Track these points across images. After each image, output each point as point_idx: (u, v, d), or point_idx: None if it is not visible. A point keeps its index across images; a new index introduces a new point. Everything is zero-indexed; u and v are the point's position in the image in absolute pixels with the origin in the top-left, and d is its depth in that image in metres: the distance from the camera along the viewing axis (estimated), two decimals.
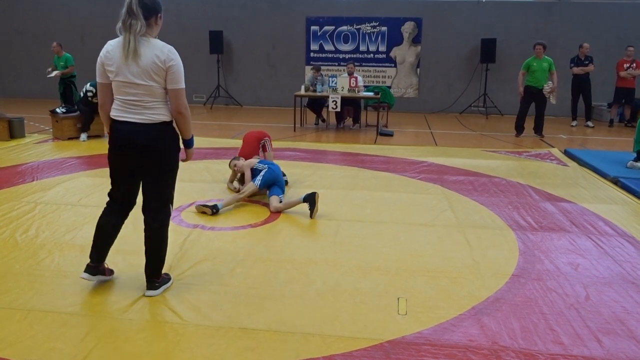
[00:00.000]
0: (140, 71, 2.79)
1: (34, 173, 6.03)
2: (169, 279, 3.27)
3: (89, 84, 8.32)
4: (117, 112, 2.92)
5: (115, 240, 3.85)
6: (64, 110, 8.41)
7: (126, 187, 3.15)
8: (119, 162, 3.06)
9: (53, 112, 8.41)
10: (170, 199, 3.12)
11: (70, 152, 7.34)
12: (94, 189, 5.40)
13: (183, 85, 2.89)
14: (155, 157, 2.94)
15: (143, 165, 2.97)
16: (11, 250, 3.72)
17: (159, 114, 2.89)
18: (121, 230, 4.05)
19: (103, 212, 3.23)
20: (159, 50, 2.79)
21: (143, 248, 3.74)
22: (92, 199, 5.02)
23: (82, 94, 8.47)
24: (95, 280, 3.20)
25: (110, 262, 3.50)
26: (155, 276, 3.14)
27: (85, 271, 3.16)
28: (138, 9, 2.75)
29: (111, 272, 3.35)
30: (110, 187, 3.20)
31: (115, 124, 2.96)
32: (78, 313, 2.85)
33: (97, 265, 3.20)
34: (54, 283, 3.21)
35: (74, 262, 3.52)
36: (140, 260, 3.58)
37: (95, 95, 8.26)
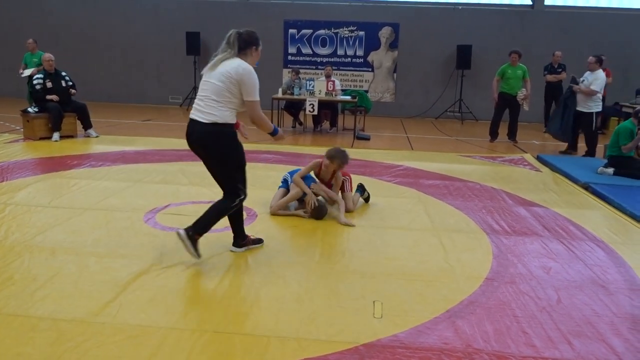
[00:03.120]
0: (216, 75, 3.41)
1: (4, 174, 5.89)
2: (247, 243, 3.85)
3: (38, 74, 8.48)
4: None
5: (89, 243, 3.84)
6: (36, 109, 8.24)
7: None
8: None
9: (24, 112, 8.23)
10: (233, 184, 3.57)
11: (42, 153, 7.19)
12: (65, 190, 5.30)
13: (256, 99, 3.44)
14: (206, 150, 3.48)
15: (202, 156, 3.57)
16: None
17: (212, 115, 3.39)
18: (95, 233, 4.04)
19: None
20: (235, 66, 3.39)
21: (117, 251, 3.74)
22: (64, 200, 4.92)
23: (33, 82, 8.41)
24: (242, 251, 3.80)
25: (82, 264, 3.45)
26: (196, 233, 3.51)
27: (233, 244, 3.81)
28: (234, 41, 3.42)
29: (258, 241, 3.93)
30: None
31: None
32: (48, 317, 2.78)
33: (237, 240, 3.80)
34: (22, 286, 3.13)
35: (43, 265, 3.44)
36: (114, 263, 3.53)
37: (42, 84, 8.29)
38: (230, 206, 3.57)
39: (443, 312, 3.00)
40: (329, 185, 4.94)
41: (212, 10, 14.05)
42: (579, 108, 8.38)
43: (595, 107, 8.32)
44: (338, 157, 4.77)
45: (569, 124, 8.50)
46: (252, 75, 3.37)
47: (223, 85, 3.35)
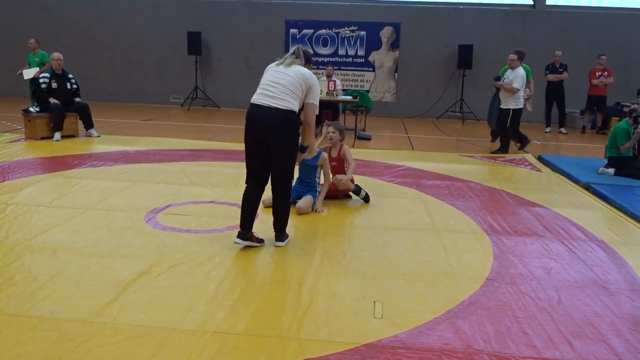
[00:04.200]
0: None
1: (5, 173, 5.90)
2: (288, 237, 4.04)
3: (44, 73, 8.46)
4: None
5: (90, 243, 3.85)
6: (37, 109, 8.25)
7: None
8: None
9: (26, 111, 8.24)
10: (291, 170, 3.91)
11: (43, 152, 7.20)
12: (66, 190, 5.30)
13: (317, 103, 3.84)
14: (279, 135, 3.70)
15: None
16: None
17: (289, 102, 3.70)
18: (96, 233, 4.05)
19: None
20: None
21: (118, 251, 3.75)
22: (65, 200, 4.93)
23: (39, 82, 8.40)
24: (245, 244, 3.82)
25: (83, 264, 3.46)
26: (278, 230, 3.95)
27: (237, 237, 3.81)
28: (301, 54, 3.87)
29: (260, 240, 3.93)
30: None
31: None
32: (49, 317, 2.79)
33: (245, 233, 3.82)
34: (23, 286, 3.13)
35: (44, 265, 3.44)
36: (115, 263, 3.55)
37: (47, 83, 8.25)
38: (289, 194, 3.94)
39: (443, 312, 3.00)
40: (340, 159, 5.31)
41: (213, 10, 14.06)
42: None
43: (513, 104, 8.42)
44: (332, 124, 5.34)
45: (495, 117, 8.82)
46: (318, 85, 3.89)
47: (297, 81, 3.71)
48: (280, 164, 3.79)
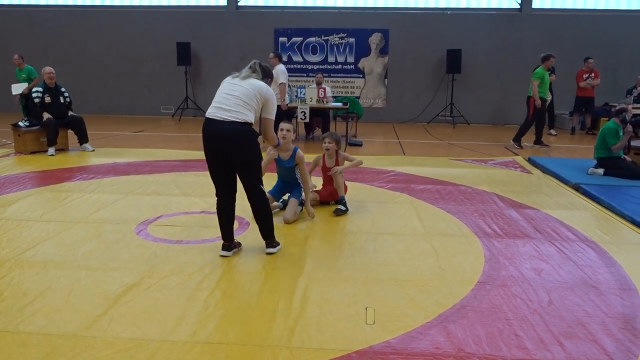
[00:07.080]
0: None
1: None
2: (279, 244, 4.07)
3: (37, 87, 8.35)
4: None
5: (80, 256, 3.84)
6: (27, 123, 8.21)
7: None
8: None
9: (15, 126, 8.20)
10: (258, 179, 3.92)
11: (33, 167, 7.17)
12: (56, 203, 5.28)
13: (272, 118, 3.86)
14: (237, 149, 3.70)
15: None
16: None
17: (244, 115, 3.68)
18: (86, 246, 4.03)
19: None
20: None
21: (109, 264, 3.73)
22: (55, 214, 4.91)
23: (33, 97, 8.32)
24: (231, 254, 3.90)
25: (74, 278, 3.45)
26: (266, 238, 3.99)
27: (222, 249, 3.89)
28: (258, 68, 3.83)
29: (239, 244, 4.05)
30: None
31: None
32: (38, 332, 2.77)
33: (229, 244, 3.91)
34: (13, 302, 3.11)
35: (34, 280, 3.42)
36: (105, 276, 3.53)
37: (40, 98, 8.16)
38: (266, 199, 3.96)
39: (435, 316, 3.01)
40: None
41: (202, 20, 14.09)
42: None
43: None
44: (328, 135, 5.43)
45: None
46: (275, 99, 3.88)
47: (253, 93, 3.69)
48: (246, 174, 3.79)
